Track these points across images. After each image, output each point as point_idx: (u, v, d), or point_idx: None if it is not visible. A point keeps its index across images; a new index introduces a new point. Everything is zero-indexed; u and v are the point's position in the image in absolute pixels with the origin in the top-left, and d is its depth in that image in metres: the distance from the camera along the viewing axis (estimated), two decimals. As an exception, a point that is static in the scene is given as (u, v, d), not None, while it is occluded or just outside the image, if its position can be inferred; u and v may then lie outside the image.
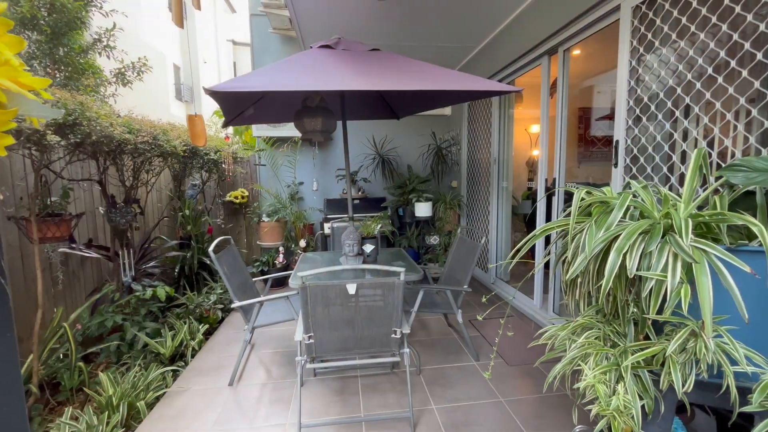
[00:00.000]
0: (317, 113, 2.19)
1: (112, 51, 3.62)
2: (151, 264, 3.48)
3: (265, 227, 4.77)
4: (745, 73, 1.54)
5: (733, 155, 1.63)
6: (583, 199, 1.16)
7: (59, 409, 2.26)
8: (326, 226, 4.66)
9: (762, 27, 1.45)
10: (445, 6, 3.02)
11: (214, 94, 1.51)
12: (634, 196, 1.09)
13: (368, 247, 2.76)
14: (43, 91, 0.44)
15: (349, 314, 1.92)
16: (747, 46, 1.52)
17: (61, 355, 2.40)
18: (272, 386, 2.47)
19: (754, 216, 0.98)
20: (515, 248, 1.27)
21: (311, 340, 1.94)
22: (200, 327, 3.13)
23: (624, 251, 0.96)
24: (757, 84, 1.49)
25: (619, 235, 0.99)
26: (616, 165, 2.20)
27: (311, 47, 2.28)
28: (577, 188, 1.18)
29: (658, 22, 1.92)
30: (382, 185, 5.23)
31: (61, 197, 2.15)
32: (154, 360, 2.70)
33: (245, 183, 5.26)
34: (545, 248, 3.18)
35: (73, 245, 2.81)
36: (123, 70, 3.73)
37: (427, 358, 2.76)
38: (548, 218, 3.13)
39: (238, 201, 5.07)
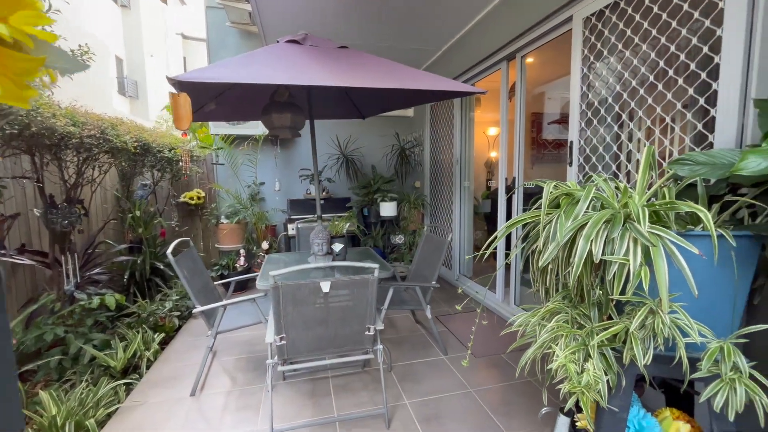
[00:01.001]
0: (285, 109, 2.14)
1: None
2: (97, 270, 3.19)
3: (224, 229, 4.56)
4: (680, 81, 1.73)
5: (671, 154, 1.82)
6: (551, 192, 1.24)
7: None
8: (290, 226, 4.56)
9: (694, 40, 1.64)
10: (410, 6, 3.08)
11: (179, 84, 1.42)
12: (597, 188, 1.18)
13: (337, 246, 2.74)
14: None
15: (322, 313, 1.88)
16: (682, 57, 1.71)
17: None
18: (238, 393, 2.37)
19: (703, 212, 1.10)
20: (490, 238, 1.33)
21: (283, 342, 1.88)
22: (155, 336, 2.92)
23: (591, 238, 1.04)
24: (690, 91, 1.68)
25: (586, 223, 1.07)
26: (570, 164, 2.37)
27: (278, 41, 2.22)
28: (546, 183, 1.26)
29: (606, 33, 2.10)
30: (347, 185, 5.21)
31: (-8, 196, 1.90)
32: (103, 374, 2.47)
33: (201, 183, 4.99)
34: (505, 247, 3.33)
35: (2, 251, 2.50)
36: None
37: (397, 355, 2.78)
38: (509, 215, 3.29)
39: (193, 202, 4.79)
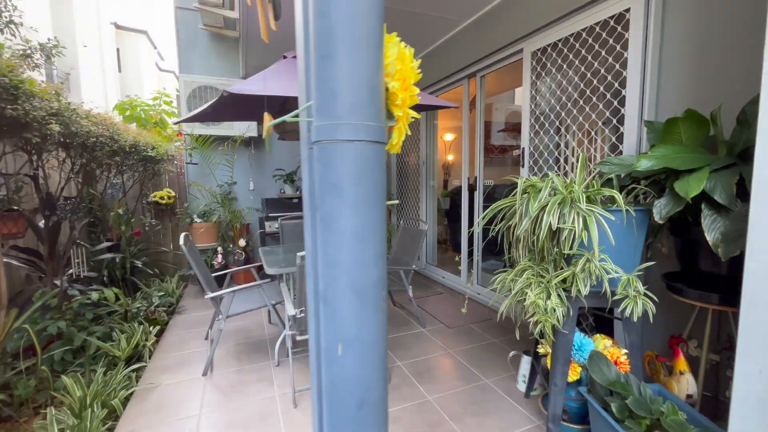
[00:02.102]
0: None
1: (17, 28, 3.19)
2: (78, 269, 3.19)
3: (199, 228, 4.62)
4: (600, 105, 2.37)
5: (596, 158, 2.46)
6: (523, 183, 1.76)
7: (11, 421, 2.07)
8: (267, 224, 4.76)
9: (609, 78, 2.29)
10: (391, 18, 3.52)
11: (233, 96, 1.71)
12: (552, 181, 1.71)
13: (330, 237, 3.08)
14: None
15: (335, 288, 2.24)
16: (601, 88, 2.35)
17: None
18: (248, 371, 2.62)
19: (616, 194, 1.68)
20: (481, 216, 1.81)
21: (302, 314, 2.21)
22: (151, 329, 3.03)
23: (551, 213, 1.56)
24: (607, 113, 2.33)
25: (547, 204, 1.59)
26: (523, 165, 2.97)
27: (285, 56, 2.54)
28: (519, 178, 1.77)
29: (548, 65, 2.72)
30: (318, 185, 5.50)
31: (15, 191, 1.98)
32: (108, 364, 2.57)
33: (172, 183, 4.98)
34: (468, 244, 3.90)
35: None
36: (29, 51, 3.32)
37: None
38: (470, 209, 3.86)
39: (164, 201, 4.77)
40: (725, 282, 1.52)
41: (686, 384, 1.59)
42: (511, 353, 2.23)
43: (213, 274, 3.25)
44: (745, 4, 1.66)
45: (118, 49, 19.16)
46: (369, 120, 0.46)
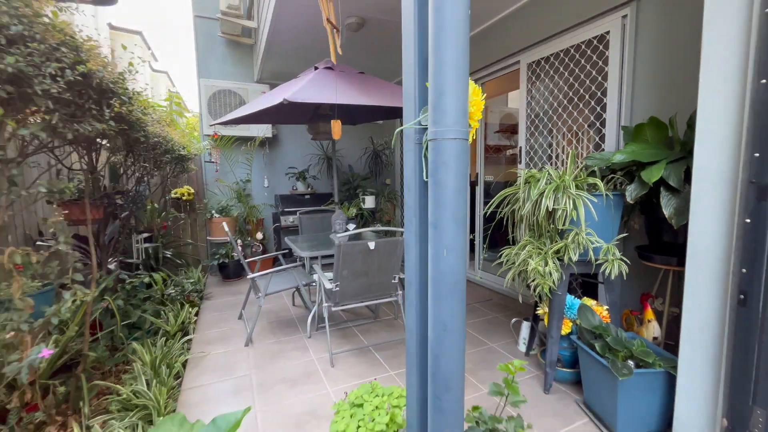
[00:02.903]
0: (327, 119, 2.85)
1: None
2: (121, 257, 3.51)
3: (220, 222, 4.96)
4: (586, 111, 2.82)
5: (581, 155, 2.91)
6: (526, 175, 2.18)
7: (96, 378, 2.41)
8: (283, 218, 5.12)
9: (593, 88, 2.73)
10: (394, 37, 3.93)
11: (289, 103, 2.09)
12: (548, 173, 2.14)
13: (351, 226, 3.48)
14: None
15: (366, 266, 2.64)
16: (587, 96, 2.80)
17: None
18: (284, 342, 3.00)
19: (598, 181, 2.12)
20: (490, 203, 2.23)
21: (337, 288, 2.60)
22: (191, 309, 3.38)
23: (548, 197, 1.98)
24: (591, 117, 2.77)
25: (545, 190, 2.02)
26: (520, 162, 3.41)
27: (316, 67, 2.92)
28: (523, 170, 2.20)
29: (542, 75, 3.16)
30: (326, 183, 5.88)
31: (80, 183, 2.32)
32: (161, 337, 2.92)
33: (190, 180, 5.30)
34: (470, 231, 4.33)
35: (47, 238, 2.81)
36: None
37: (397, 310, 3.60)
38: (472, 202, 4.28)
39: (184, 198, 5.10)
40: (682, 249, 1.96)
41: (653, 329, 2.03)
42: (513, 320, 2.66)
43: (248, 260, 3.61)
44: (696, 33, 2.12)
45: (112, 50, 19.16)
46: (461, 128, 0.86)
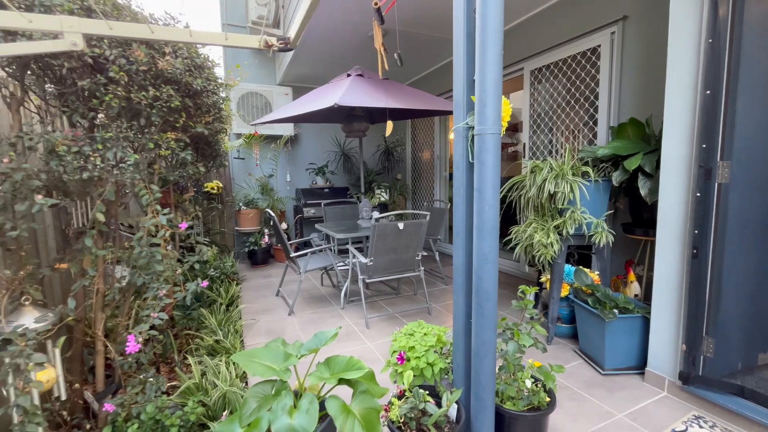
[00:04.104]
0: (361, 119, 3.31)
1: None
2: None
3: (248, 214, 5.42)
4: (581, 112, 3.30)
5: (577, 149, 3.38)
6: (532, 165, 2.66)
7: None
8: (306, 210, 5.58)
9: (587, 92, 3.21)
10: (411, 46, 4.40)
11: (341, 107, 2.56)
12: (550, 163, 2.61)
13: (376, 214, 3.94)
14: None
15: (395, 244, 3.11)
16: (581, 100, 3.27)
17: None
18: (322, 312, 3.47)
19: (590, 169, 2.59)
20: (503, 187, 2.70)
21: (371, 263, 3.07)
22: (236, 285, 3.85)
23: (550, 182, 2.46)
24: (586, 118, 3.25)
25: (547, 177, 2.49)
26: (524, 156, 3.89)
27: (349, 74, 3.38)
28: (530, 161, 2.67)
29: (543, 80, 3.64)
30: (344, 177, 6.35)
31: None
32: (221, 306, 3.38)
33: (219, 175, 5.75)
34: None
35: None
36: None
37: (417, 287, 4.08)
38: (480, 194, 4.75)
39: (214, 191, 5.55)
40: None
41: (634, 288, 2.52)
42: (520, 288, 3.11)
43: (290, 241, 4.08)
44: (666, 51, 2.60)
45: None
46: (497, 127, 1.32)
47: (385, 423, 1.47)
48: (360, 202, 6.13)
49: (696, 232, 1.86)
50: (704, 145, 1.80)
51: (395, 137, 6.56)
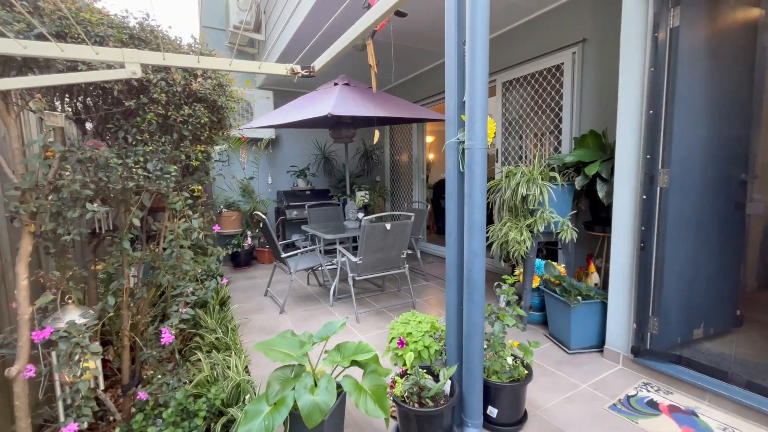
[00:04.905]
0: (349, 126, 3.51)
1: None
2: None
3: (230, 216, 5.45)
4: (548, 121, 3.66)
5: (544, 156, 3.75)
6: (506, 170, 2.97)
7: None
8: (288, 212, 5.68)
9: (552, 104, 3.58)
10: (390, 54, 4.65)
11: (333, 116, 2.74)
12: (522, 169, 2.93)
13: (361, 214, 4.15)
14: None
15: (382, 243, 3.33)
16: (548, 111, 3.64)
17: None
18: (312, 309, 3.63)
19: (557, 175, 2.93)
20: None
21: (361, 261, 3.28)
22: (225, 286, 3.92)
23: (522, 186, 2.78)
24: (551, 127, 3.62)
25: (520, 181, 2.81)
26: (497, 161, 4.23)
27: (336, 83, 3.57)
28: (504, 167, 2.98)
29: (513, 92, 3.99)
30: (324, 180, 6.49)
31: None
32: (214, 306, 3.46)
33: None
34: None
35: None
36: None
37: (400, 284, 4.33)
38: (456, 195, 5.08)
39: (195, 194, 5.53)
40: (612, 222, 2.82)
41: (594, 278, 2.89)
42: (495, 283, 3.43)
43: (280, 241, 4.18)
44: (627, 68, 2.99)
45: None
46: (484, 143, 1.58)
47: (391, 398, 1.69)
48: (342, 203, 6.32)
49: (643, 228, 2.22)
50: (648, 156, 2.16)
51: (373, 141, 6.78)
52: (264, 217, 3.50)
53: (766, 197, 2.76)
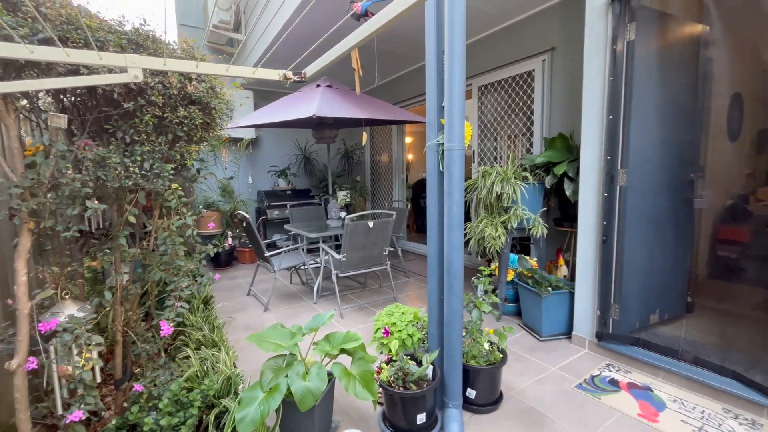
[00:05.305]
0: (332, 127, 3.59)
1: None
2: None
3: (210, 216, 5.41)
4: (520, 124, 3.88)
5: (517, 156, 3.97)
6: (483, 170, 3.15)
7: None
8: (269, 212, 5.69)
9: (524, 108, 3.79)
10: (371, 58, 4.77)
11: (317, 117, 2.82)
12: (497, 169, 3.11)
13: (343, 214, 4.24)
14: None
15: (365, 241, 3.44)
16: (520, 114, 3.86)
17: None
18: (296, 307, 3.69)
19: (528, 174, 3.13)
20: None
21: (344, 258, 3.37)
22: (207, 286, 3.92)
23: (497, 185, 2.96)
24: (524, 129, 3.84)
25: (495, 180, 2.99)
26: (474, 162, 4.42)
27: (318, 85, 3.65)
28: (480, 167, 3.16)
29: (488, 95, 4.19)
30: (305, 179, 6.52)
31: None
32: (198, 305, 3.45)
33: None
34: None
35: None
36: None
37: (382, 281, 4.45)
38: (435, 194, 5.25)
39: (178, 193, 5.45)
40: (579, 218, 3.05)
41: (563, 270, 3.11)
42: (473, 278, 3.61)
43: (264, 240, 4.19)
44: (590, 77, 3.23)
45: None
46: (462, 144, 1.71)
47: (378, 383, 1.80)
48: (323, 203, 6.37)
49: (605, 223, 2.43)
50: (609, 157, 2.37)
51: (354, 141, 6.87)
52: (248, 216, 3.53)
53: (712, 194, 3.06)
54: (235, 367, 2.42)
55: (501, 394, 2.06)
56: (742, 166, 3.47)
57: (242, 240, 5.55)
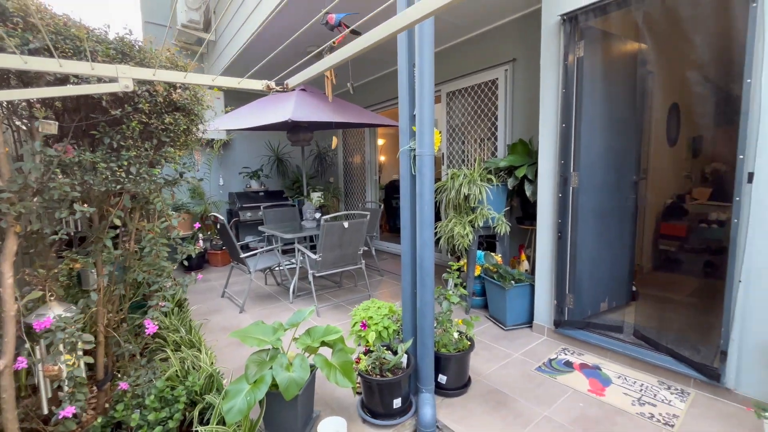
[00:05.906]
0: (306, 130, 3.67)
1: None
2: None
3: (181, 219, 5.30)
4: (485, 129, 4.13)
5: (483, 159, 4.22)
6: (451, 173, 3.35)
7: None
8: (242, 213, 5.65)
9: (489, 114, 4.05)
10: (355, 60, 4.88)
11: (293, 121, 2.90)
12: (464, 171, 3.32)
13: (318, 215, 4.32)
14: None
15: (340, 240, 3.55)
16: (486, 120, 4.11)
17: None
18: (272, 307, 3.74)
19: (493, 177, 3.37)
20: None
21: (320, 258, 3.47)
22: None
23: (464, 186, 3.16)
24: (489, 134, 4.09)
25: (463, 182, 3.20)
26: (443, 163, 4.64)
27: (294, 89, 3.71)
28: (450, 170, 3.36)
29: (456, 101, 4.42)
30: (278, 181, 6.52)
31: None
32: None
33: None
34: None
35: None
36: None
37: (357, 280, 4.57)
38: (407, 195, 5.44)
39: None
40: (539, 217, 3.31)
41: (525, 265, 3.36)
42: (444, 274, 3.81)
43: (240, 242, 4.17)
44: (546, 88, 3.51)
45: None
46: (432, 150, 1.88)
47: (357, 372, 1.93)
48: (297, 204, 6.39)
49: (559, 221, 2.69)
50: (562, 161, 2.63)
51: (327, 143, 6.94)
52: (222, 218, 3.54)
53: (650, 194, 3.42)
54: (213, 366, 2.47)
55: (469, 379, 2.25)
56: (680, 169, 3.90)
57: (213, 242, 5.49)
